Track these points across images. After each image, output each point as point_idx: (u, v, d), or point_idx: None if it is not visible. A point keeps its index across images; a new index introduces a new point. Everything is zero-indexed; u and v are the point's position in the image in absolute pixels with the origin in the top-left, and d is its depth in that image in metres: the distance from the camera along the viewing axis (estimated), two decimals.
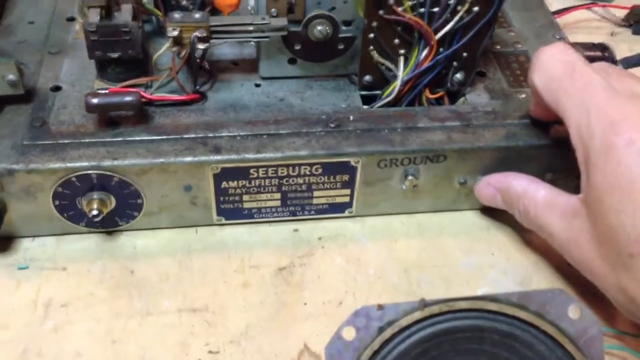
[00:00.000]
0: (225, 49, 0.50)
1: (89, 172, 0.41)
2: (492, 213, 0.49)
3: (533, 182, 0.43)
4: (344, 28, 0.46)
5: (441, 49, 0.45)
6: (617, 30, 0.68)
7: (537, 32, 0.54)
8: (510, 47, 0.53)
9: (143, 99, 0.43)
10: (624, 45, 0.66)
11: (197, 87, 0.46)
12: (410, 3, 0.43)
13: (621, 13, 0.67)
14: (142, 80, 0.45)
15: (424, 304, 0.31)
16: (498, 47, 0.53)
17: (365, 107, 0.47)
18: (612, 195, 0.35)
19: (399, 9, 0.43)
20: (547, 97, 0.40)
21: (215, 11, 0.48)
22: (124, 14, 0.43)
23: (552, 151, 0.46)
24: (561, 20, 0.65)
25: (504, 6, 0.56)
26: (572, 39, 0.65)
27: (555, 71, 0.39)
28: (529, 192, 0.43)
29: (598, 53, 0.55)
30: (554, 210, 0.41)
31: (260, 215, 0.47)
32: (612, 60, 0.55)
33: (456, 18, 0.43)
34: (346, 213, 0.48)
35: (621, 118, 0.35)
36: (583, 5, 0.66)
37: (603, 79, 0.38)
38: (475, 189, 0.46)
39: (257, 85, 0.48)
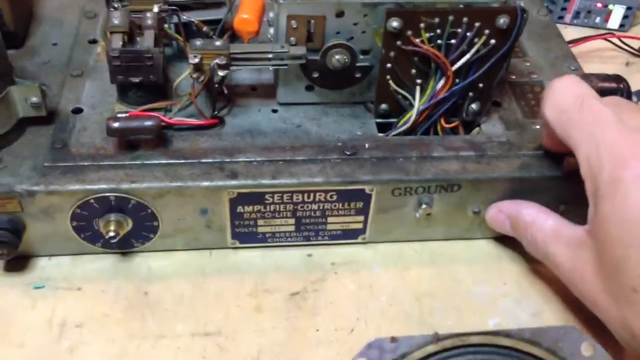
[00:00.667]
0: (243, 74, 0.51)
1: (107, 194, 0.42)
2: (504, 242, 0.49)
3: (542, 211, 0.44)
4: (361, 57, 0.46)
5: (457, 80, 0.46)
6: (632, 60, 0.68)
7: (552, 63, 0.55)
8: (525, 77, 0.53)
9: (162, 123, 0.44)
10: (639, 75, 0.66)
11: (216, 112, 0.47)
12: (427, 35, 0.43)
13: (636, 43, 0.68)
14: (162, 104, 0.46)
15: (437, 338, 0.31)
16: (513, 77, 0.53)
17: (380, 134, 0.48)
18: (619, 228, 0.35)
19: (417, 40, 0.43)
20: (558, 128, 0.40)
21: (235, 37, 0.49)
22: (147, 40, 0.44)
23: (565, 183, 0.46)
24: (576, 49, 0.65)
25: (521, 37, 0.57)
26: (586, 69, 0.65)
27: (565, 103, 0.40)
28: (538, 221, 0.43)
29: (613, 84, 0.55)
30: (560, 241, 0.41)
31: (274, 240, 0.47)
32: (627, 91, 0.55)
33: (473, 50, 0.44)
34: (359, 239, 0.48)
35: (630, 152, 0.36)
36: (599, 35, 0.66)
37: (613, 113, 0.38)
38: (486, 214, 0.47)
39: (275, 111, 0.48)
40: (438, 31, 0.43)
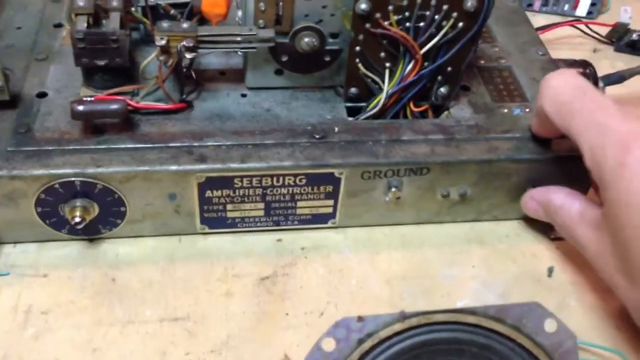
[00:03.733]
0: (212, 59, 0.51)
1: (73, 179, 0.41)
2: (473, 226, 0.49)
3: (570, 195, 0.44)
4: (330, 40, 0.46)
5: (426, 63, 0.46)
6: (600, 46, 0.69)
7: (521, 48, 0.55)
8: (494, 62, 0.54)
9: (129, 107, 0.43)
10: (606, 61, 0.67)
11: (184, 96, 0.46)
12: (396, 17, 0.43)
13: (604, 30, 0.68)
14: (129, 88, 0.45)
15: (403, 316, 0.31)
16: (482, 61, 0.53)
17: (350, 118, 0.48)
18: (626, 212, 0.36)
19: (385, 23, 0.43)
20: (559, 121, 0.41)
21: (203, 21, 0.48)
22: (112, 22, 0.43)
23: (532, 165, 0.46)
24: (544, 36, 0.66)
25: (489, 22, 0.57)
26: (555, 55, 0.66)
27: (565, 96, 0.41)
28: (566, 205, 0.44)
29: (580, 69, 0.56)
30: (585, 223, 0.42)
31: (244, 225, 0.47)
32: (593, 76, 0.56)
33: (441, 33, 0.44)
34: (329, 224, 0.48)
35: (633, 138, 0.36)
36: (567, 22, 0.67)
37: (613, 102, 0.39)
38: (521, 202, 0.48)
39: (244, 96, 0.48)
40: (407, 14, 0.43)
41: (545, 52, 0.55)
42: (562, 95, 0.41)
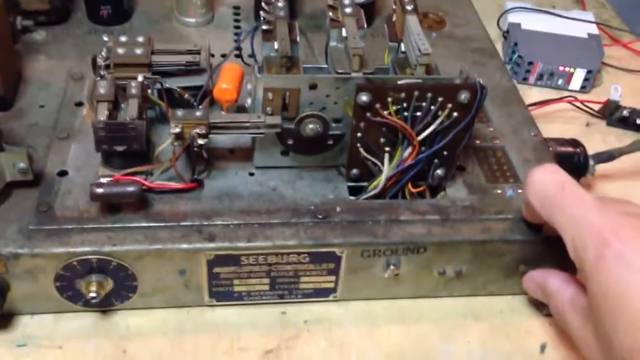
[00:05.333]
0: (222, 137, 0.53)
1: (90, 257, 0.44)
2: (469, 301, 0.52)
3: (565, 280, 0.46)
4: (333, 125, 0.49)
5: (423, 148, 0.49)
6: (592, 121, 0.72)
7: (514, 128, 0.58)
8: (489, 142, 0.56)
9: (144, 187, 0.46)
10: (598, 135, 0.70)
11: (195, 176, 0.49)
12: (395, 108, 0.46)
13: (596, 105, 0.71)
14: (144, 168, 0.48)
15: None
16: (478, 142, 0.56)
17: (351, 198, 0.50)
18: (606, 304, 0.38)
19: (385, 113, 0.46)
20: (543, 213, 0.43)
21: (214, 101, 0.51)
22: (131, 110, 0.46)
23: (523, 245, 0.49)
24: (539, 110, 0.69)
25: (485, 102, 0.60)
26: (549, 128, 0.69)
27: (547, 190, 0.43)
28: (560, 290, 0.46)
29: (570, 149, 0.59)
30: (575, 310, 0.44)
31: (250, 298, 0.49)
32: (583, 155, 0.59)
33: (437, 122, 0.47)
34: (331, 297, 0.50)
35: (611, 231, 0.38)
36: (561, 99, 0.70)
37: (592, 197, 0.41)
38: (522, 282, 0.50)
39: (251, 174, 0.51)
40: (404, 104, 0.46)
41: (537, 133, 0.58)
42: (544, 190, 0.43)
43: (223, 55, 0.62)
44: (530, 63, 0.74)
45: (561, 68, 0.74)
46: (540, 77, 0.75)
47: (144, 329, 0.47)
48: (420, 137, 0.47)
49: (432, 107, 0.47)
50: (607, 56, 0.80)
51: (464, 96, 0.46)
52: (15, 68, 0.57)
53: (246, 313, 0.49)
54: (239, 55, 0.54)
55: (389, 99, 0.46)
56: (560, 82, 0.74)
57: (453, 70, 0.62)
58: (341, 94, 0.48)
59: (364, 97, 0.46)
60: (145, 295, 0.47)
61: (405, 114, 0.47)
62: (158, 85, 0.51)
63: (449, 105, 0.47)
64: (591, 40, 0.77)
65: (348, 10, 0.52)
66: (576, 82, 0.74)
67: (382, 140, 0.48)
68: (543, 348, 0.49)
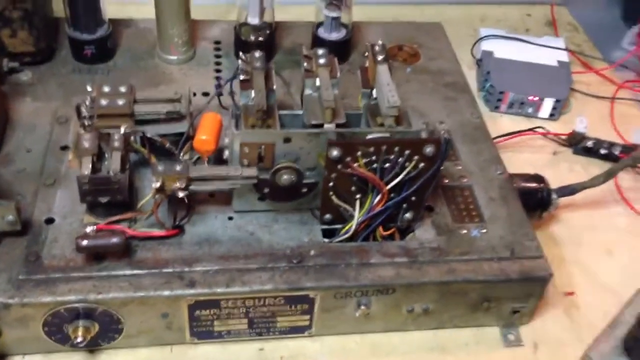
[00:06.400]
0: None
1: (76, 305, 0.47)
2: (437, 335, 0.55)
3: None
4: (307, 174, 0.52)
5: (392, 195, 0.51)
6: (560, 149, 0.75)
7: (482, 166, 0.61)
8: (457, 181, 0.59)
9: (127, 236, 0.49)
10: (565, 164, 0.73)
11: (176, 222, 0.52)
12: (364, 160, 0.49)
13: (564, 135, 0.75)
14: (128, 216, 0.51)
15: None
16: (446, 181, 0.59)
17: (325, 240, 0.53)
18: None
19: (355, 165, 0.49)
20: None
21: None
22: (114, 162, 0.49)
23: (486, 285, 0.52)
24: (509, 141, 0.72)
25: (455, 140, 0.63)
26: (518, 158, 0.72)
27: None
28: None
29: (534, 184, 0.62)
30: None
31: (230, 336, 0.52)
32: (547, 190, 0.62)
33: (404, 173, 0.50)
34: (306, 334, 0.53)
35: None
36: (530, 130, 0.73)
37: None
38: None
39: (230, 218, 0.54)
40: (373, 157, 0.49)
41: (503, 171, 0.61)
42: None
43: (205, 94, 0.65)
44: (502, 92, 0.77)
45: (531, 97, 0.77)
46: (511, 105, 0.77)
47: None
48: (388, 187, 0.50)
49: (400, 159, 0.49)
50: (578, 82, 0.83)
51: (429, 149, 0.49)
52: (2, 111, 0.59)
53: (226, 350, 0.52)
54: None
55: (359, 153, 0.49)
56: (530, 110, 0.78)
57: (426, 107, 0.66)
58: (314, 146, 0.50)
59: (334, 152, 0.48)
60: (130, 336, 0.50)
61: (375, 165, 0.50)
62: (140, 135, 0.53)
63: (416, 157, 0.50)
64: (561, 69, 0.80)
65: (322, 60, 0.54)
66: (545, 110, 0.77)
67: (353, 188, 0.51)
68: None
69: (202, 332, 0.51)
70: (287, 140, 0.50)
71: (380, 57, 0.55)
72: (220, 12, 0.81)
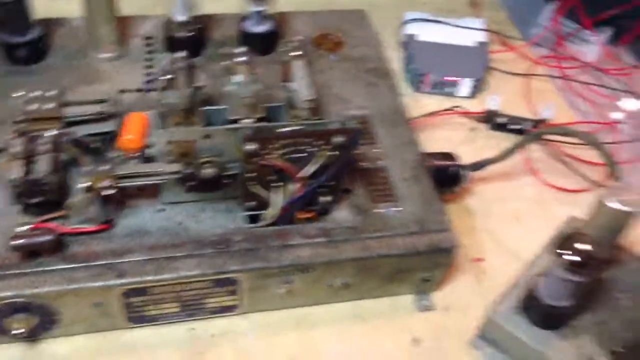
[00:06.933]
0: None
1: (14, 300, 0.50)
2: (357, 305, 0.60)
3: None
4: (230, 165, 0.56)
5: (310, 181, 0.56)
6: (477, 126, 0.80)
7: (398, 148, 0.65)
8: (374, 163, 0.64)
9: (59, 233, 0.52)
10: (482, 140, 0.78)
11: (107, 217, 0.55)
12: (280, 152, 0.53)
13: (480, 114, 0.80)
14: (59, 214, 0.54)
15: None
16: (364, 164, 0.64)
17: (250, 225, 0.57)
18: None
19: (270, 157, 0.53)
20: None
21: None
22: (44, 165, 0.52)
23: (398, 258, 0.57)
24: (431, 120, 0.77)
25: (374, 123, 0.68)
26: (438, 135, 0.77)
27: None
28: None
29: (446, 162, 0.67)
30: None
31: (163, 319, 0.56)
32: (457, 167, 0.67)
33: (318, 161, 0.54)
34: (235, 312, 0.58)
35: None
36: (448, 110, 0.78)
37: None
38: None
39: (159, 210, 0.57)
40: (288, 149, 0.53)
41: (418, 153, 0.65)
42: None
43: (138, 90, 0.68)
44: (423, 74, 0.81)
45: (450, 78, 0.81)
46: (432, 85, 0.82)
47: (68, 354, 0.54)
48: (304, 175, 0.54)
49: (313, 149, 0.54)
50: (497, 60, 0.88)
51: (340, 139, 0.53)
52: None
53: (160, 332, 0.57)
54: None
55: (273, 146, 0.53)
56: (450, 90, 0.82)
57: (348, 93, 0.70)
58: (234, 140, 0.54)
59: (249, 146, 0.52)
60: (67, 326, 0.54)
61: (290, 156, 0.54)
62: (70, 135, 0.56)
63: (328, 147, 0.54)
64: (479, 49, 0.85)
65: (240, 58, 0.58)
66: (464, 89, 0.82)
67: (271, 177, 0.55)
68: (416, 341, 0.58)
69: (136, 317, 0.55)
70: (207, 136, 0.53)
71: (296, 53, 0.59)
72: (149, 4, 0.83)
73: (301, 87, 0.56)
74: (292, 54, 0.58)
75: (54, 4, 0.79)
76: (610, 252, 0.57)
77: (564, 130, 0.67)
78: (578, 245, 0.49)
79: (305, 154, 0.54)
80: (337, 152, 0.54)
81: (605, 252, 0.52)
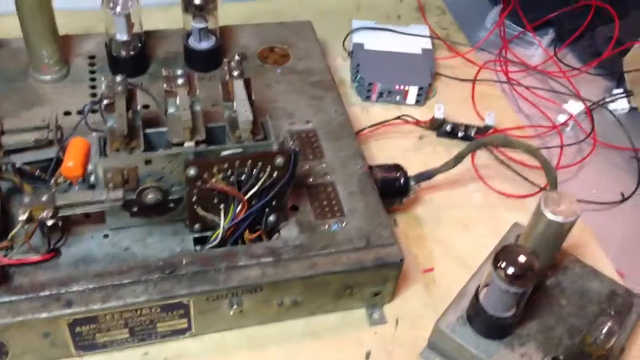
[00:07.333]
0: None
1: None
2: (309, 322, 0.61)
3: None
4: (173, 189, 0.56)
5: (254, 202, 0.56)
6: (425, 133, 0.81)
7: (343, 162, 0.66)
8: (320, 178, 0.65)
9: (2, 264, 0.52)
10: (429, 147, 0.80)
11: (51, 246, 0.55)
12: (221, 175, 0.54)
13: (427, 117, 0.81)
14: (4, 244, 0.53)
15: None
16: (311, 179, 0.64)
17: (198, 247, 0.58)
18: None
19: (212, 180, 0.54)
20: None
21: None
22: None
23: (345, 274, 0.58)
24: (379, 130, 0.78)
25: (319, 138, 0.68)
26: (387, 144, 0.78)
27: None
28: None
29: (393, 174, 0.68)
30: None
31: (114, 346, 0.56)
32: (405, 178, 0.68)
33: (259, 183, 0.55)
34: (187, 335, 0.58)
35: None
36: (395, 119, 0.79)
37: None
38: None
39: (106, 236, 0.57)
40: (230, 172, 0.54)
41: (362, 165, 0.66)
42: None
43: (80, 112, 0.67)
44: (371, 83, 0.82)
45: (397, 86, 0.82)
46: (380, 95, 0.83)
47: None
48: (247, 196, 0.55)
49: (254, 171, 0.54)
50: (444, 66, 0.90)
51: (279, 160, 0.54)
52: None
53: (112, 357, 0.57)
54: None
55: (215, 169, 0.53)
56: (397, 98, 0.83)
57: (293, 107, 0.71)
58: (175, 165, 0.54)
59: (191, 171, 0.53)
60: (17, 357, 0.53)
61: (231, 179, 0.54)
62: (10, 166, 0.56)
63: (268, 168, 0.54)
64: (424, 57, 0.86)
65: (180, 81, 0.58)
66: (411, 97, 0.83)
67: (215, 200, 0.55)
68: (368, 355, 0.59)
69: (86, 345, 0.55)
70: (148, 162, 0.53)
71: (235, 73, 0.59)
72: (91, 19, 0.82)
73: (241, 107, 0.56)
74: (233, 72, 0.58)
75: None
76: (550, 260, 0.59)
77: (504, 140, 0.68)
78: (515, 257, 0.50)
79: (247, 176, 0.54)
80: (278, 173, 0.55)
81: (544, 261, 0.54)
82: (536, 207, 0.55)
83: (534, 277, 0.50)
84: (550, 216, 0.53)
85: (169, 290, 0.54)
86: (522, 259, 0.50)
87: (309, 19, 0.85)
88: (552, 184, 0.63)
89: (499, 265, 0.50)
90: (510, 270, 0.50)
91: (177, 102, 0.57)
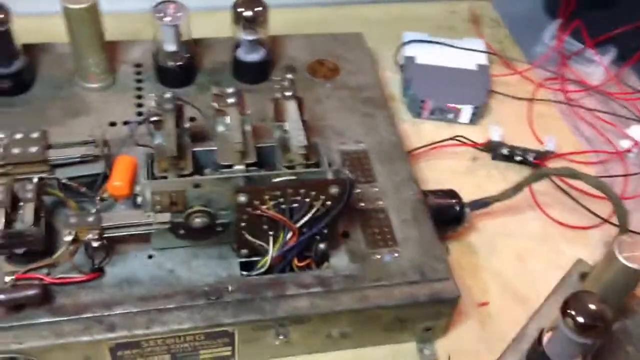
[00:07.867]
0: None
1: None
2: (357, 353, 0.58)
3: None
4: (221, 213, 0.54)
5: (304, 230, 0.54)
6: (479, 155, 0.78)
7: (397, 187, 0.63)
8: (372, 203, 0.62)
9: (45, 283, 0.50)
10: (483, 170, 0.76)
11: (95, 265, 0.53)
12: (272, 203, 0.51)
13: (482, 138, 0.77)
14: (45, 263, 0.52)
15: None
16: (362, 204, 0.61)
17: (244, 273, 0.55)
18: None
19: (263, 207, 0.51)
20: None
21: None
22: (27, 215, 0.50)
23: (397, 309, 0.55)
24: (430, 149, 0.75)
25: (371, 159, 0.65)
26: (438, 165, 0.75)
27: None
28: None
29: (448, 200, 0.65)
30: None
31: None
32: (460, 205, 0.65)
33: (312, 212, 0.52)
34: None
35: None
36: (448, 141, 0.76)
37: None
38: None
39: (150, 257, 0.55)
40: (281, 199, 0.51)
41: (416, 191, 0.63)
42: None
43: (126, 123, 0.65)
44: (422, 100, 0.79)
45: (450, 105, 0.79)
46: (432, 112, 0.80)
47: None
48: (298, 225, 0.52)
49: (307, 199, 0.52)
50: (499, 83, 0.86)
51: (334, 190, 0.51)
52: None
53: None
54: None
55: (266, 197, 0.51)
56: (450, 116, 0.80)
57: (344, 125, 0.67)
58: (224, 189, 0.52)
59: (242, 198, 0.50)
60: None
61: (283, 206, 0.52)
62: (55, 182, 0.54)
63: (322, 197, 0.52)
64: (480, 73, 0.82)
65: (231, 100, 0.55)
66: (465, 116, 0.80)
67: (265, 227, 0.53)
68: None
69: None
70: (196, 186, 0.51)
71: (288, 93, 0.56)
72: (137, 22, 0.79)
73: (294, 130, 0.54)
74: (286, 92, 0.56)
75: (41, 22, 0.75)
76: (620, 306, 0.55)
77: (570, 172, 0.64)
78: (586, 305, 0.47)
79: (299, 204, 0.52)
80: (332, 202, 0.52)
81: (613, 307, 0.50)
82: (608, 251, 0.51)
83: (606, 329, 0.46)
84: (625, 263, 0.49)
85: (214, 318, 0.52)
86: (593, 307, 0.47)
87: (355, 29, 0.82)
88: (623, 223, 0.59)
89: (568, 312, 0.47)
90: (581, 320, 0.46)
91: (227, 120, 0.55)
